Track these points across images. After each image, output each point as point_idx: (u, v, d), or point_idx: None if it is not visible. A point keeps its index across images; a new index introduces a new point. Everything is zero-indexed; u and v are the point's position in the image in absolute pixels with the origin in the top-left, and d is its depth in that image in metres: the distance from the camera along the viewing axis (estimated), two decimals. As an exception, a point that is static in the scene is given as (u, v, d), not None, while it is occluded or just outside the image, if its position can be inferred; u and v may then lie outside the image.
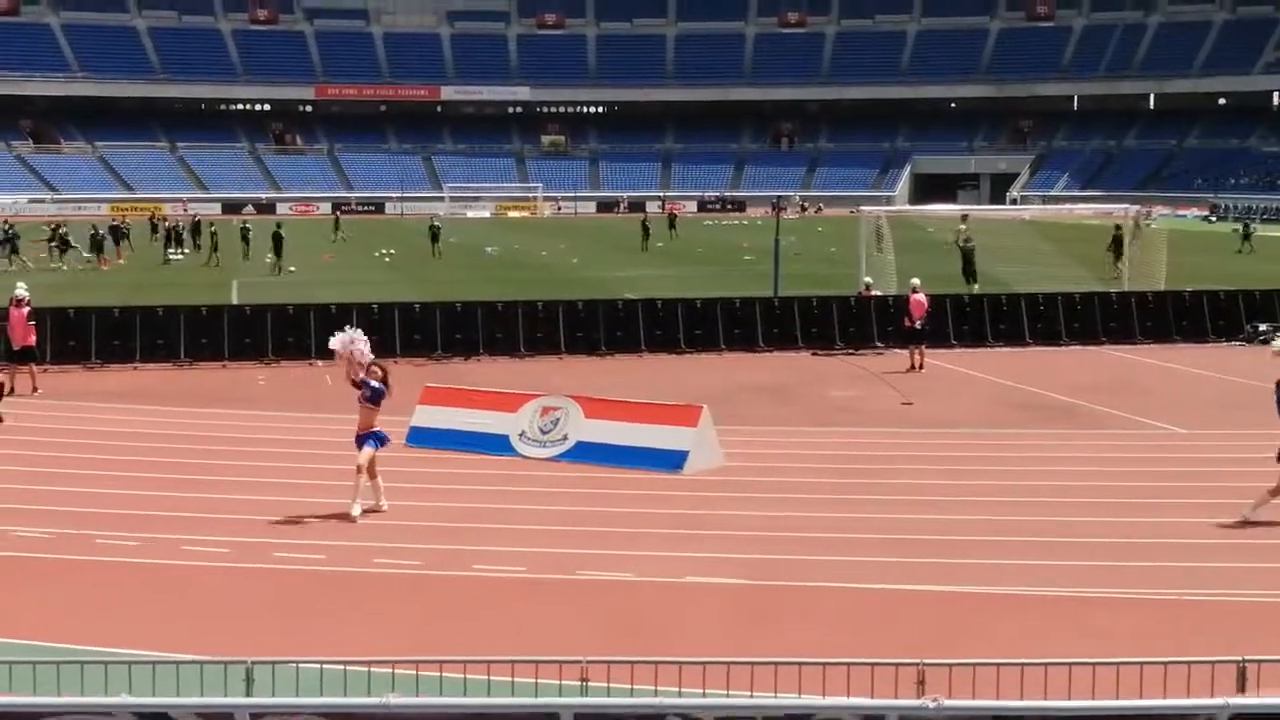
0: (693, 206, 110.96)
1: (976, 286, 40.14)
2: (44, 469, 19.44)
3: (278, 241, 53.65)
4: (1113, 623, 12.86)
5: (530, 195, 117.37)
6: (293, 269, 52.24)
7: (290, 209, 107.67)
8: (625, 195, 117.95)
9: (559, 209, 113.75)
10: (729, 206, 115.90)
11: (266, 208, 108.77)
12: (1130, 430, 22.64)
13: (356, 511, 16.55)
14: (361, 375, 16.92)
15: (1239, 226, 66.02)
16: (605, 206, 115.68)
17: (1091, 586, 13.90)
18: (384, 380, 17.08)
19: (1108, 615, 13.08)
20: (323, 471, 18.61)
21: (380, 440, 16.93)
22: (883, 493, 17.90)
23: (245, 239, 58.78)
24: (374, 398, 16.89)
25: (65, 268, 53.24)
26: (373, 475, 16.85)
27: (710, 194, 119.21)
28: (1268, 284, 37.10)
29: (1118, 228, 50.81)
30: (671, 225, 73.87)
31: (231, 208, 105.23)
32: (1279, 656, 8.76)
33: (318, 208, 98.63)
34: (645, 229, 65.88)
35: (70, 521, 16.39)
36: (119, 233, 60.60)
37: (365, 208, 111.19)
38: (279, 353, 29.83)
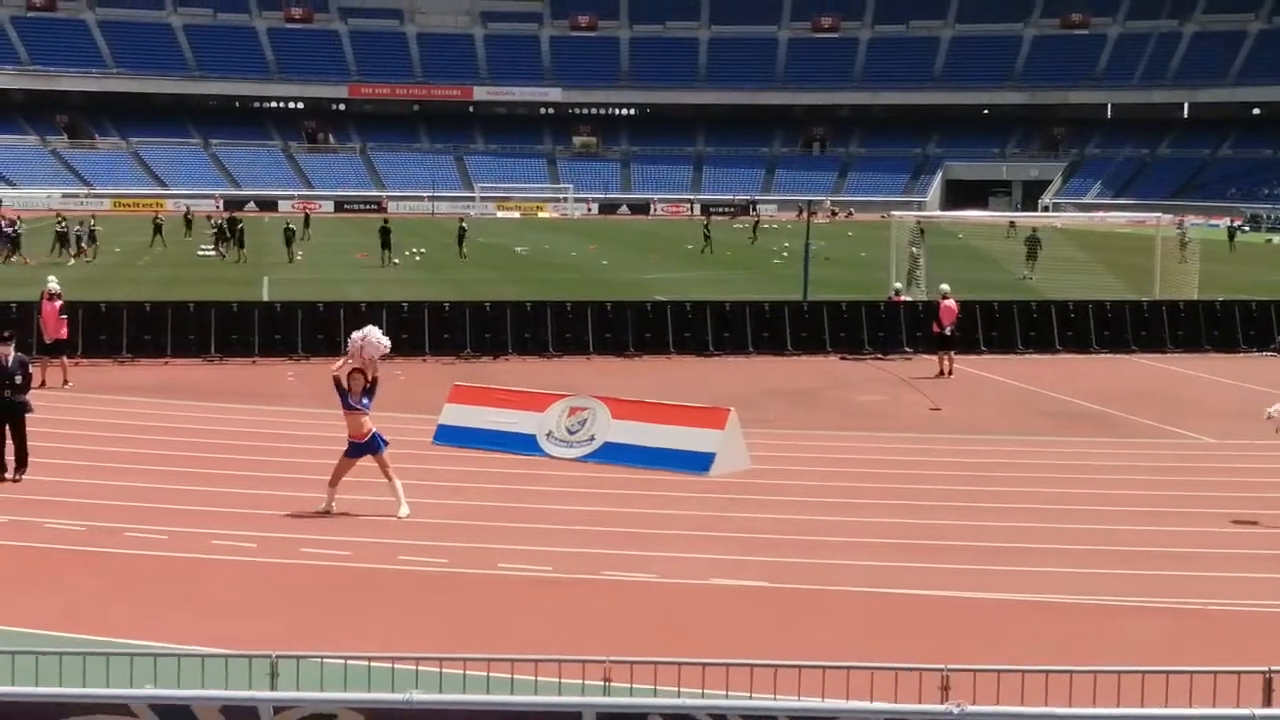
0: (695, 210, 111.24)
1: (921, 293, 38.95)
2: (74, 462, 19.54)
3: (385, 235, 54.14)
4: (1139, 631, 12.81)
5: (561, 196, 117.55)
6: (397, 261, 52.97)
7: (292, 206, 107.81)
8: (631, 198, 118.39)
9: (589, 210, 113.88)
10: (735, 211, 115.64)
11: (268, 205, 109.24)
12: (1159, 439, 22.54)
13: (404, 511, 16.47)
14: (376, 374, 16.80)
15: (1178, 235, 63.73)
16: (608, 208, 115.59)
17: (1118, 594, 13.83)
18: (373, 379, 16.92)
19: (1134, 623, 13.03)
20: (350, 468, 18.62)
21: (384, 441, 16.80)
22: (909, 498, 17.85)
23: (289, 241, 58.88)
24: (369, 401, 16.74)
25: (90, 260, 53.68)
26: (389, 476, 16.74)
27: (740, 197, 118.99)
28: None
29: (1034, 230, 53.76)
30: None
31: (233, 204, 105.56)
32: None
33: (319, 205, 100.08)
34: (706, 234, 65.30)
35: (100, 514, 16.48)
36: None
37: (369, 206, 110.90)
38: (309, 349, 29.94)
